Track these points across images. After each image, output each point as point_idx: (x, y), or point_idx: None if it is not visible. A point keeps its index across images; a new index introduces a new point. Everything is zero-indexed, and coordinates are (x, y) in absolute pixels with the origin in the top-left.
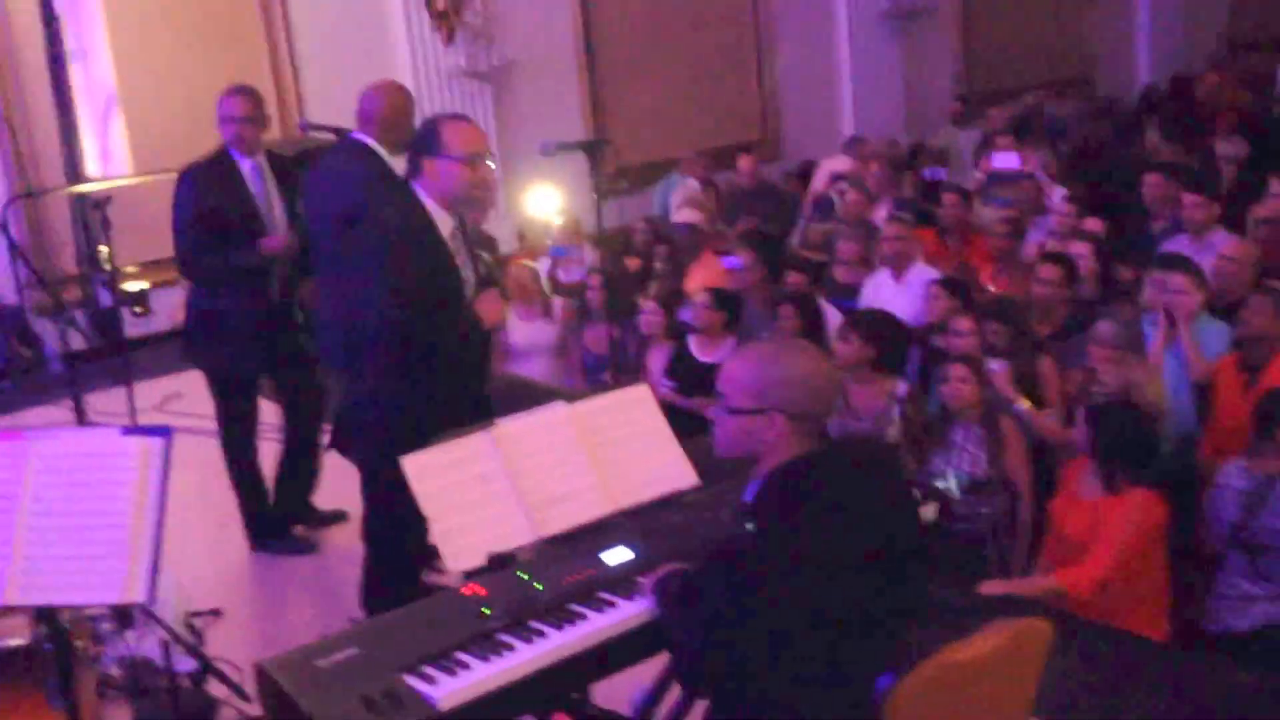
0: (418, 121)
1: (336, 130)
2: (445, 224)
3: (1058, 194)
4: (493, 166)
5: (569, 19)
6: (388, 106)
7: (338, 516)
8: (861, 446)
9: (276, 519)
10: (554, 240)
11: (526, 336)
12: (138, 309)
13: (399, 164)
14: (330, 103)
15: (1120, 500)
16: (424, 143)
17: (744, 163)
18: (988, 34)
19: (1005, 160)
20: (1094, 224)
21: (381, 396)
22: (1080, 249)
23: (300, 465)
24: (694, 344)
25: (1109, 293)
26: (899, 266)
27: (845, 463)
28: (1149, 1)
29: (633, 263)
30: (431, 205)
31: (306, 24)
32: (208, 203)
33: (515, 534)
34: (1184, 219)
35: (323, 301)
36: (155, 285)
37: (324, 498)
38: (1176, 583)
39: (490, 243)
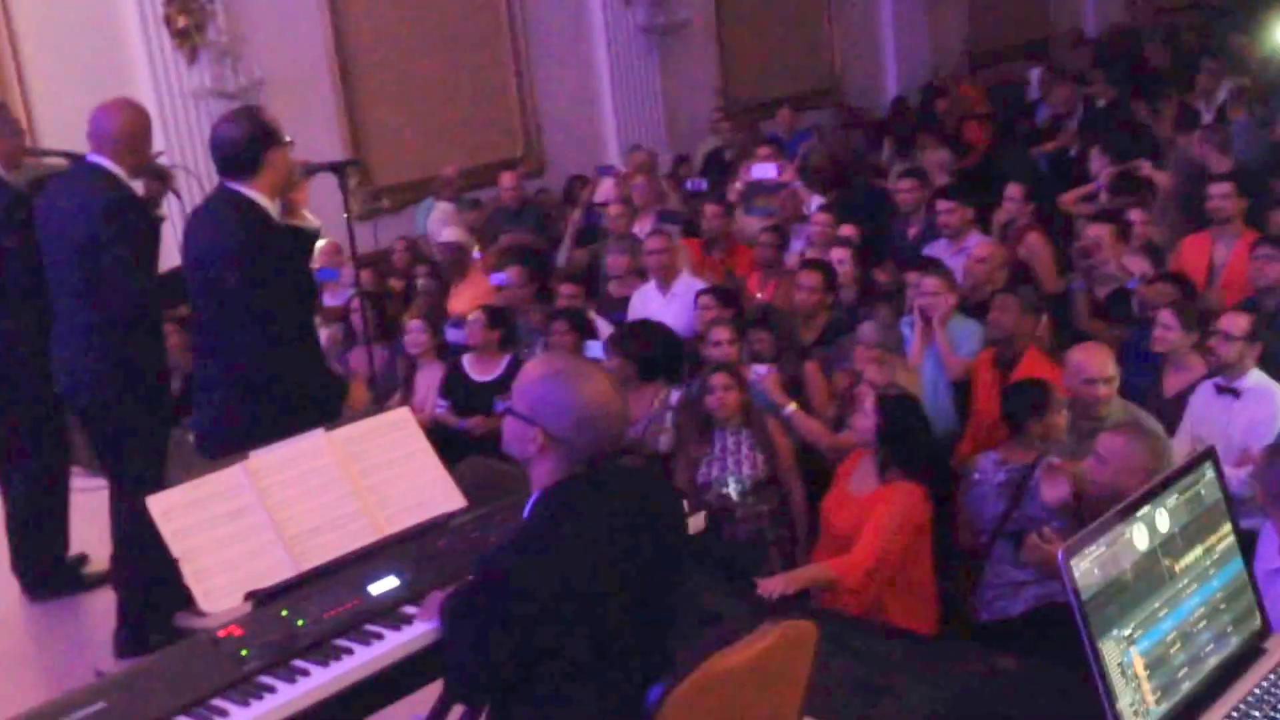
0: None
1: (67, 155)
2: (276, 214)
3: (814, 202)
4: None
5: (320, 36)
6: (126, 125)
7: (81, 562)
8: (628, 470)
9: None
10: (317, 264)
11: None
12: None
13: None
14: (63, 127)
15: (890, 490)
16: (265, 137)
17: (507, 179)
18: (743, 47)
19: (763, 170)
20: (849, 230)
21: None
22: (840, 255)
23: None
24: (468, 363)
25: (868, 297)
26: (665, 278)
27: (608, 491)
28: (893, 15)
29: (395, 284)
30: (265, 201)
31: (34, 43)
32: None
33: (274, 569)
34: (938, 224)
35: (62, 335)
36: None
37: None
38: (942, 577)
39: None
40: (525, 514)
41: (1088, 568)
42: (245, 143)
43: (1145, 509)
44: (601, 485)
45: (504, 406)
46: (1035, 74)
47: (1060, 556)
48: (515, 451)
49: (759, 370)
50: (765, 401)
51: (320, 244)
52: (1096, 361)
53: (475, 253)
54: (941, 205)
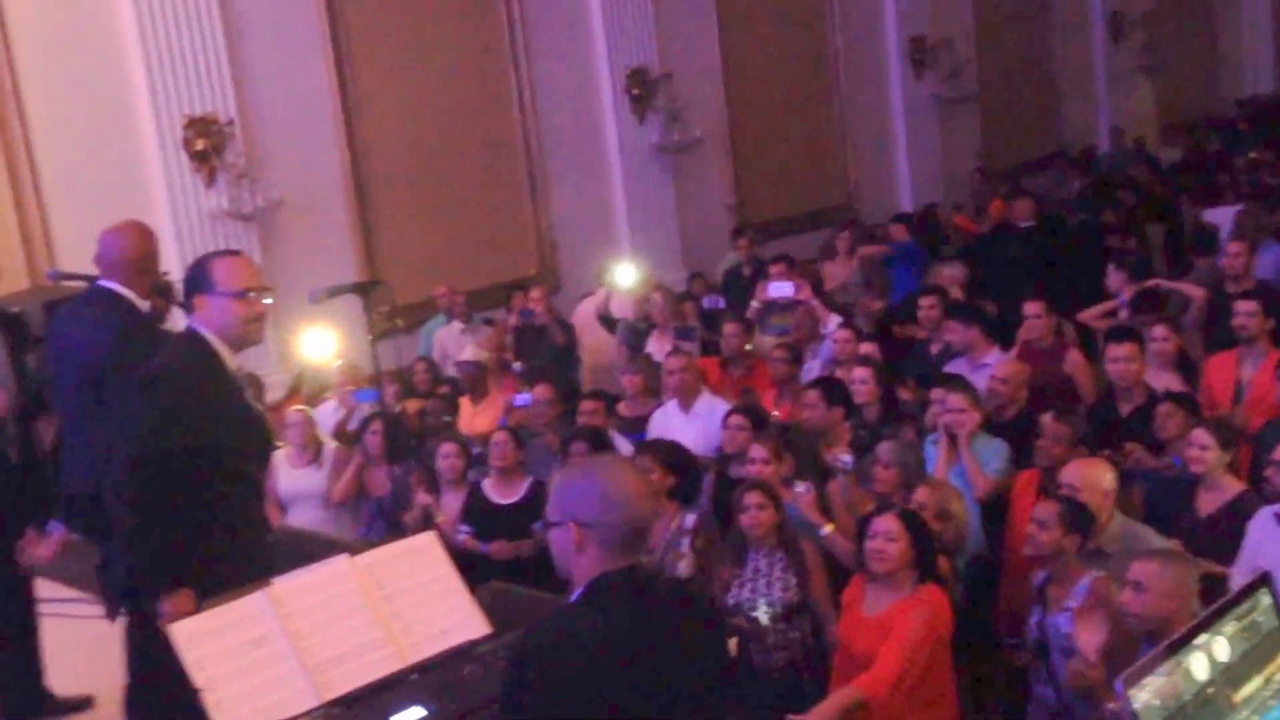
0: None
1: (89, 278)
2: (230, 359)
3: (833, 321)
4: (269, 301)
5: (336, 158)
6: (132, 248)
7: (82, 704)
8: (674, 580)
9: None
10: (352, 385)
11: (295, 484)
12: None
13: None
14: (82, 250)
15: (914, 599)
16: (194, 280)
17: (536, 294)
18: (757, 164)
19: (780, 289)
20: (869, 348)
21: (171, 555)
22: (861, 373)
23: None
24: (489, 486)
25: (891, 415)
26: (685, 398)
27: (650, 588)
28: (905, 131)
29: (413, 404)
30: (215, 340)
31: (53, 167)
32: None
33: (296, 699)
34: (950, 343)
35: (70, 460)
36: None
37: (60, 680)
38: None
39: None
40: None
41: (1147, 699)
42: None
43: (1203, 637)
44: (644, 582)
45: (540, 525)
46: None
47: (1118, 686)
48: (563, 564)
49: (799, 489)
50: (801, 522)
51: (336, 364)
52: (1088, 474)
53: (516, 365)
54: (950, 325)
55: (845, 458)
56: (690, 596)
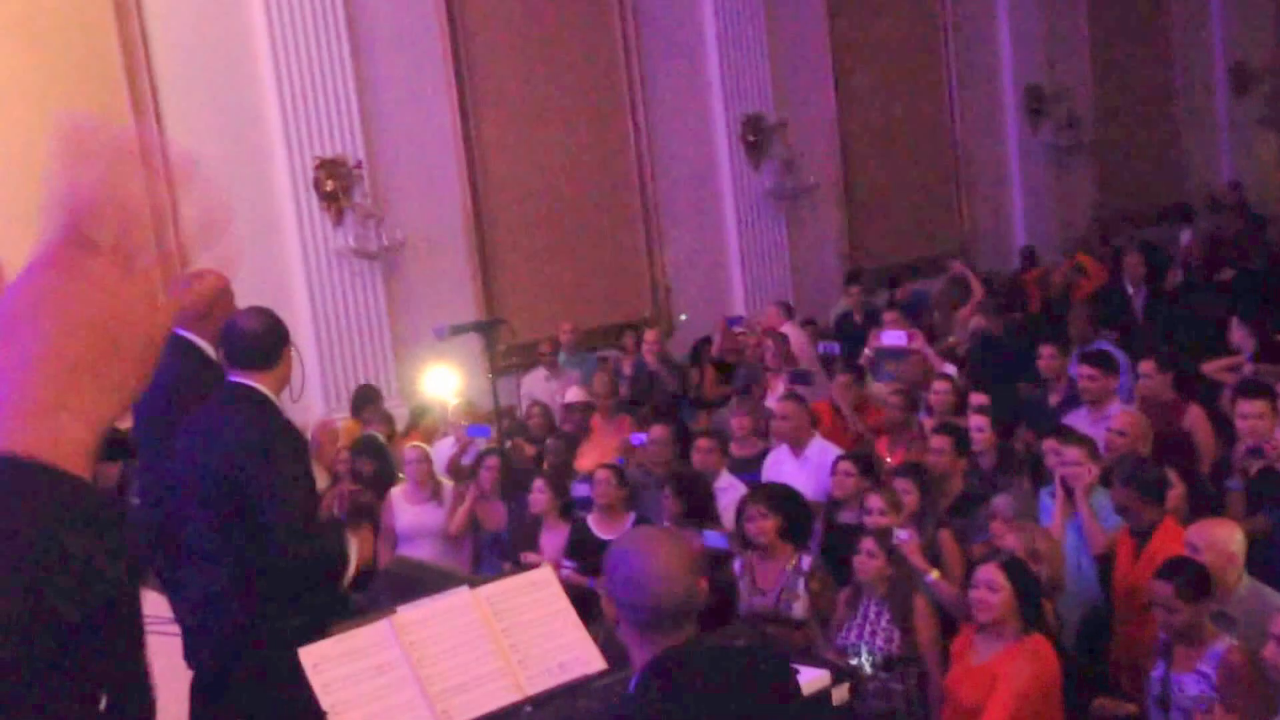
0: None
1: None
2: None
3: (947, 369)
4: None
5: (458, 199)
6: (201, 296)
7: None
8: (737, 649)
9: None
10: (467, 420)
11: (414, 519)
12: None
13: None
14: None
15: (1019, 648)
16: (283, 332)
17: (650, 336)
18: (871, 210)
19: (893, 337)
20: (979, 398)
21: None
22: (978, 421)
23: None
24: (593, 522)
25: (1007, 465)
26: (797, 443)
27: (716, 663)
28: (1021, 177)
29: (529, 448)
30: (274, 399)
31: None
32: None
33: None
34: (1081, 390)
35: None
36: None
37: None
38: None
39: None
40: (631, 689)
41: None
42: (266, 336)
43: None
44: (699, 664)
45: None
46: (1185, 235)
47: None
48: (620, 633)
49: (900, 535)
50: (907, 573)
51: (455, 403)
52: (1213, 535)
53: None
54: (1084, 371)
55: (901, 534)
56: (754, 670)
